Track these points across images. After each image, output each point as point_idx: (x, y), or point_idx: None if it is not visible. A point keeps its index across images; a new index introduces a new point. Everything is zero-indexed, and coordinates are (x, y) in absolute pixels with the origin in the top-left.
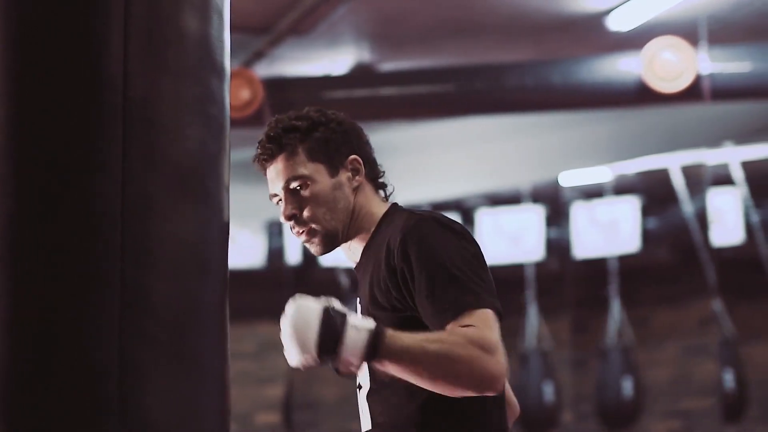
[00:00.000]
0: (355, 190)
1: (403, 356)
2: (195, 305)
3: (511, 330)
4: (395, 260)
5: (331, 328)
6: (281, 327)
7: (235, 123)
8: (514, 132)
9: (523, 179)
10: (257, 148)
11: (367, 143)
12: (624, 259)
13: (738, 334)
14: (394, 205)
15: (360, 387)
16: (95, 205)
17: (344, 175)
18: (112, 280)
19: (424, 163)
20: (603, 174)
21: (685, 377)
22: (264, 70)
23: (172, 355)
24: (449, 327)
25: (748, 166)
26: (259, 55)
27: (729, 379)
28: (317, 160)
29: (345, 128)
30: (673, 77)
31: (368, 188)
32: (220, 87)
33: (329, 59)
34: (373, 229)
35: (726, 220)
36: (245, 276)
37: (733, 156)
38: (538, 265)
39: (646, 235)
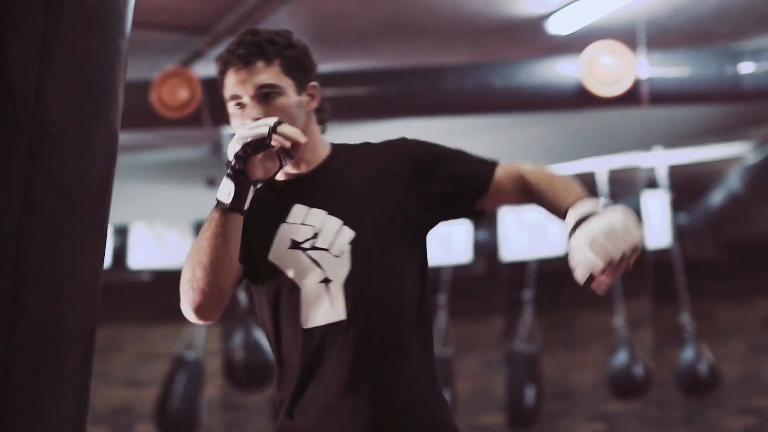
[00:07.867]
0: (308, 114)
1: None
2: None
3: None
4: (408, 155)
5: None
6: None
7: (173, 123)
8: (449, 134)
9: None
10: (231, 50)
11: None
12: (549, 263)
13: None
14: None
15: (328, 281)
16: None
17: (305, 98)
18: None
19: None
20: None
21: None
22: (203, 70)
23: None
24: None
25: (675, 170)
26: (198, 55)
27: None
28: (289, 76)
29: (311, 57)
30: (612, 81)
31: (314, 118)
32: (115, 112)
33: None
34: (325, 156)
35: (653, 223)
36: (173, 277)
37: (663, 160)
38: (466, 268)
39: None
